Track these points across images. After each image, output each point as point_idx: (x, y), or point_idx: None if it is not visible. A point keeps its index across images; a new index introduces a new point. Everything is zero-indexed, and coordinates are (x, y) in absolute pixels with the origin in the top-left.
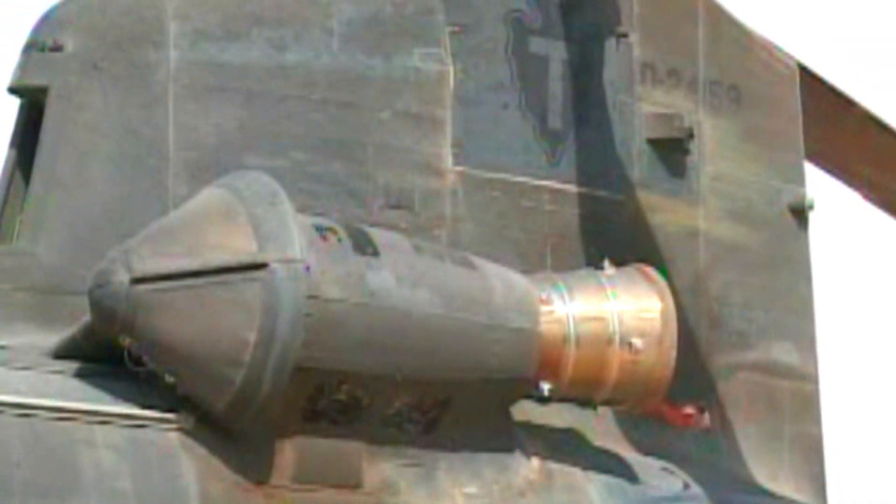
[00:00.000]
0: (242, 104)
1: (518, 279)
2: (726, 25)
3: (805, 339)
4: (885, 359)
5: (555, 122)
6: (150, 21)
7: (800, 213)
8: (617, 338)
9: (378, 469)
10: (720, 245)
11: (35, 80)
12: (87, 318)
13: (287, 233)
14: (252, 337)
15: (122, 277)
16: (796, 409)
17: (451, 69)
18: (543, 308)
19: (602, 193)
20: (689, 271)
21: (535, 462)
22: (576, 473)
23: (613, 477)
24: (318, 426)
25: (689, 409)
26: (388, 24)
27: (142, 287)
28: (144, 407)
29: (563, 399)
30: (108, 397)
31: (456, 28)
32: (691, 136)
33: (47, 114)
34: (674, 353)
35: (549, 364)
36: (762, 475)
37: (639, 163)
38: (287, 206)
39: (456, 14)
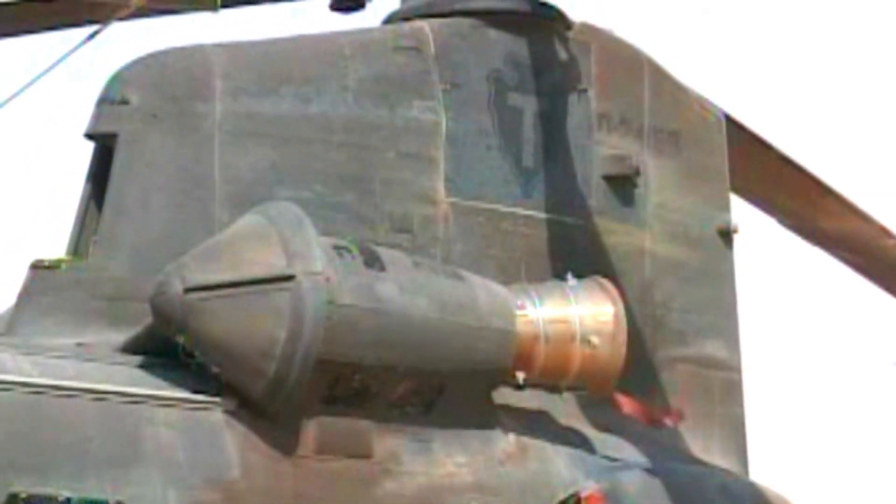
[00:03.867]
0: (274, 147)
1: (498, 289)
2: (666, 83)
3: (731, 337)
4: (798, 351)
5: (528, 161)
6: (199, 79)
7: (726, 236)
8: (578, 336)
9: (385, 443)
10: (662, 261)
11: (106, 128)
12: (148, 320)
13: (311, 251)
14: (282, 335)
15: (177, 287)
16: (724, 394)
17: (444, 118)
18: (519, 312)
19: (566, 219)
20: (637, 282)
21: (512, 437)
22: (545, 447)
23: (576, 449)
24: (336, 408)
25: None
26: (392, 81)
27: (193, 295)
28: (195, 392)
29: (535, 386)
30: (165, 384)
31: (447, 85)
32: (638, 173)
33: (116, 155)
34: (624, 349)
35: (524, 358)
36: (697, 448)
37: (596, 194)
38: (311, 230)
39: (447, 74)
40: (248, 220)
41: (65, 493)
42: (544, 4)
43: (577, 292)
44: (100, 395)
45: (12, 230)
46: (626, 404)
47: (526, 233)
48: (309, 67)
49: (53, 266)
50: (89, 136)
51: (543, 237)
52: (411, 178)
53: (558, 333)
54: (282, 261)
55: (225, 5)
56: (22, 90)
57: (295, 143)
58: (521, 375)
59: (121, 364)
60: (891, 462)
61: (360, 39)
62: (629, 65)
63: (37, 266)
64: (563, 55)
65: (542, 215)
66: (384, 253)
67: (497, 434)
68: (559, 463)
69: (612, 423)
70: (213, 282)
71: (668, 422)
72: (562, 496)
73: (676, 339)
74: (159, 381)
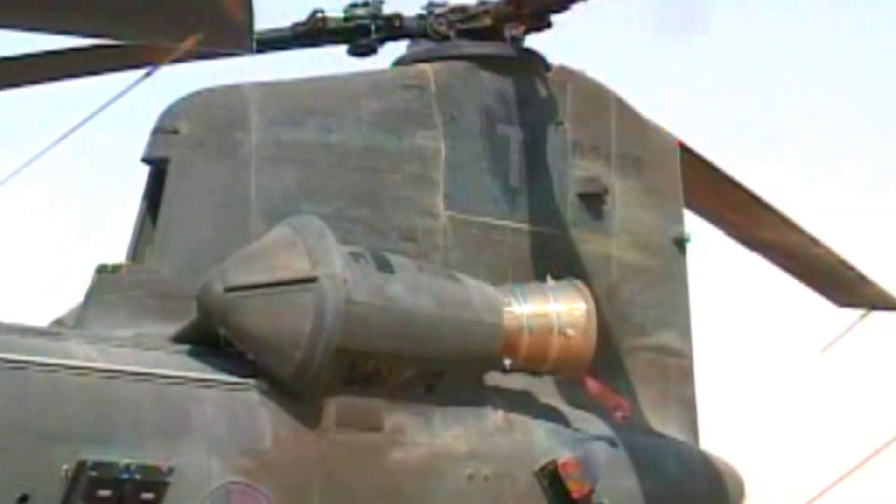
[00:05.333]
0: (301, 169)
1: (489, 289)
2: (630, 115)
3: (684, 329)
4: (742, 341)
5: (514, 181)
6: (238, 113)
7: (681, 244)
8: (556, 328)
9: (394, 418)
10: (626, 266)
11: (160, 154)
12: (195, 315)
13: (331, 257)
14: (307, 328)
15: (219, 287)
16: (678, 378)
17: (443, 145)
18: (506, 308)
19: (546, 230)
20: (606, 284)
21: (500, 413)
22: (528, 421)
23: (554, 423)
24: (353, 389)
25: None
26: (399, 115)
27: (232, 294)
28: (234, 375)
29: (519, 370)
30: (209, 369)
31: (446, 118)
32: (606, 191)
33: (168, 177)
34: (595, 340)
35: (510, 347)
36: (655, 423)
37: (571, 210)
38: (331, 239)
39: (446, 108)
40: (279, 231)
41: (124, 460)
42: (527, 50)
43: (555, 292)
44: (154, 378)
45: (81, 240)
46: (593, 388)
47: (512, 242)
48: (330, 103)
49: (115, 270)
50: (145, 160)
51: (527, 245)
52: (416, 196)
53: (539, 326)
54: (306, 265)
55: (259, 50)
56: (79, 126)
57: (318, 166)
58: (507, 361)
59: (172, 352)
60: (819, 440)
61: (373, 79)
62: (598, 100)
63: (101, 270)
64: (543, 93)
65: (526, 227)
66: (393, 258)
67: (488, 410)
68: (540, 435)
69: (583, 401)
70: (250, 283)
71: (619, 412)
72: (542, 462)
73: (638, 332)
74: (204, 367)
